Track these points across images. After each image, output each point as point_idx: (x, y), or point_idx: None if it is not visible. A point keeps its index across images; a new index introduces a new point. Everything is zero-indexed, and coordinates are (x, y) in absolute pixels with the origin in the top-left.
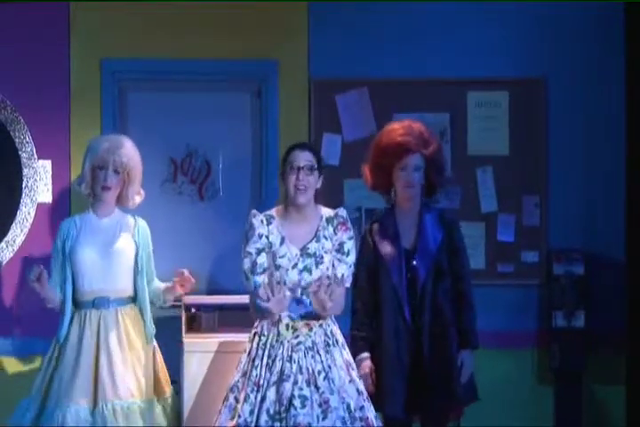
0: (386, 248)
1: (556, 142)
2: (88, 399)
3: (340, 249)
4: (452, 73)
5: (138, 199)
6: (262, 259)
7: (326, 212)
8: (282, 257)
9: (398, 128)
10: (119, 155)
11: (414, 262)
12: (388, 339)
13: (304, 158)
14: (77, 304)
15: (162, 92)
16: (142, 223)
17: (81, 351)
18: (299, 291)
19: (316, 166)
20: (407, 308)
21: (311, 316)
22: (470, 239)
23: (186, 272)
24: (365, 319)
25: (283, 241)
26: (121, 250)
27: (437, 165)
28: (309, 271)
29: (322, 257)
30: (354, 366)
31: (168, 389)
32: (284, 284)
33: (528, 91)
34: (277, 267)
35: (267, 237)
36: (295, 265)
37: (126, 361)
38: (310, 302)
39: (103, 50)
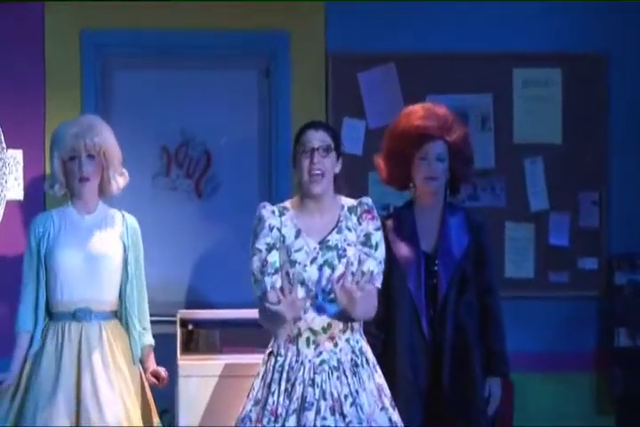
0: (402, 250)
1: (618, 129)
2: None
3: (366, 242)
4: (496, 46)
5: (122, 181)
6: (274, 257)
7: (348, 201)
8: (298, 251)
9: (418, 110)
10: (90, 137)
11: (435, 268)
12: (402, 356)
13: (318, 138)
14: (52, 316)
15: (153, 70)
16: (132, 220)
17: (61, 370)
18: (320, 295)
19: (332, 146)
20: (425, 320)
21: (338, 317)
22: (517, 243)
23: (163, 373)
24: (374, 330)
25: (299, 234)
26: (108, 254)
27: (463, 155)
28: (331, 266)
29: (344, 250)
30: (387, 391)
31: (156, 420)
32: (303, 283)
33: (585, 68)
34: (293, 263)
35: (279, 230)
36: (314, 259)
37: (112, 384)
38: (334, 311)
39: (84, 18)
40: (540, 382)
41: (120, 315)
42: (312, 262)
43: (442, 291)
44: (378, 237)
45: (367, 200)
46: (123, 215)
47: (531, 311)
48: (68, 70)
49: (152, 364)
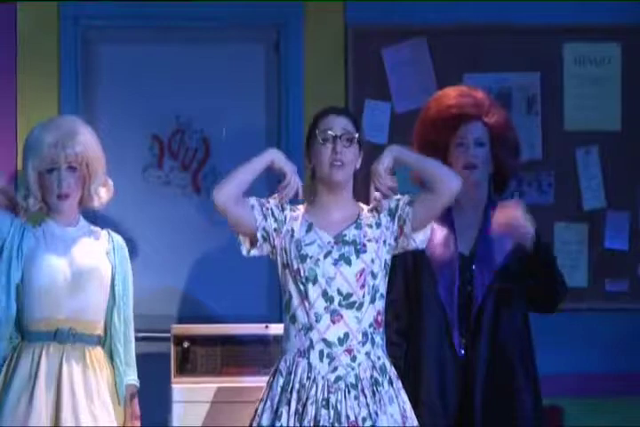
0: (435, 250)
1: None
2: None
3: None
4: (544, 17)
5: (105, 194)
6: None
7: (367, 206)
8: (309, 244)
9: (450, 92)
10: (71, 146)
11: (472, 273)
12: (428, 373)
13: (341, 125)
14: (27, 336)
15: (142, 45)
16: (118, 239)
17: (33, 398)
18: (336, 299)
19: (356, 137)
20: (457, 333)
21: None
22: (568, 247)
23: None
24: (396, 338)
25: (310, 228)
26: (97, 267)
27: (507, 140)
28: (348, 262)
29: (364, 245)
30: (413, 419)
31: None
32: (315, 281)
33: None
34: (303, 258)
35: (283, 221)
36: (329, 253)
37: (96, 419)
38: (353, 318)
39: None
40: (596, 408)
41: (103, 344)
42: (326, 257)
43: (476, 300)
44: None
45: (376, 194)
46: (108, 233)
47: (584, 326)
48: (44, 46)
49: (134, 410)
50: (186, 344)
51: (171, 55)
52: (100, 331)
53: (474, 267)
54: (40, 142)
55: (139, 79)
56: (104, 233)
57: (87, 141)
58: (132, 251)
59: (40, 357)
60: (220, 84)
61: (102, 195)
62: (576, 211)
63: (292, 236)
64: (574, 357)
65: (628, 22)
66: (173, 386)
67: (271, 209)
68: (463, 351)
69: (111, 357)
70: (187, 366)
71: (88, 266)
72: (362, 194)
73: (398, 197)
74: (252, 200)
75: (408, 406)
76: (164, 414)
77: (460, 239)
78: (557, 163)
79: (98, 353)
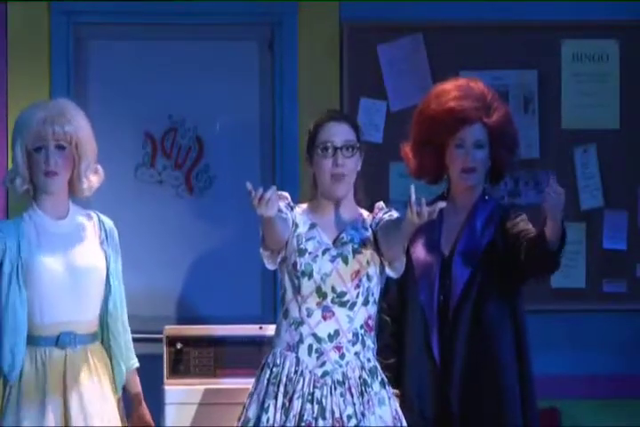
0: (419, 253)
1: None
2: None
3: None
4: (541, 14)
5: (95, 180)
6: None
7: (367, 212)
8: (309, 240)
9: (451, 89)
10: (60, 124)
11: (452, 273)
12: (409, 384)
13: (342, 136)
14: (29, 339)
15: (135, 42)
16: (109, 223)
17: (46, 406)
18: (329, 296)
19: (358, 146)
20: (436, 341)
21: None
22: (566, 247)
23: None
24: (391, 342)
25: (313, 226)
26: (94, 266)
27: (507, 138)
28: (345, 260)
29: (359, 245)
30: (403, 423)
31: None
32: (310, 276)
33: None
34: (302, 252)
35: (293, 221)
36: (327, 250)
37: (103, 420)
38: (344, 317)
39: None
40: (596, 410)
41: (100, 334)
42: (324, 253)
43: (453, 302)
44: (395, 213)
45: (379, 203)
46: (98, 217)
47: (582, 327)
48: (35, 42)
49: (138, 390)
50: (179, 345)
51: (164, 53)
52: (96, 327)
53: (453, 266)
54: (29, 119)
55: (131, 77)
56: (94, 218)
57: (78, 122)
58: (125, 250)
59: (44, 362)
60: (214, 82)
61: (92, 180)
62: (574, 211)
63: (295, 230)
64: (574, 358)
65: (626, 19)
66: (166, 388)
67: (287, 213)
68: (441, 360)
69: (108, 347)
70: (179, 368)
71: (86, 267)
72: (362, 195)
73: (387, 215)
74: (286, 214)
75: (400, 411)
76: (157, 416)
77: (444, 240)
78: (555, 162)
79: (96, 349)
